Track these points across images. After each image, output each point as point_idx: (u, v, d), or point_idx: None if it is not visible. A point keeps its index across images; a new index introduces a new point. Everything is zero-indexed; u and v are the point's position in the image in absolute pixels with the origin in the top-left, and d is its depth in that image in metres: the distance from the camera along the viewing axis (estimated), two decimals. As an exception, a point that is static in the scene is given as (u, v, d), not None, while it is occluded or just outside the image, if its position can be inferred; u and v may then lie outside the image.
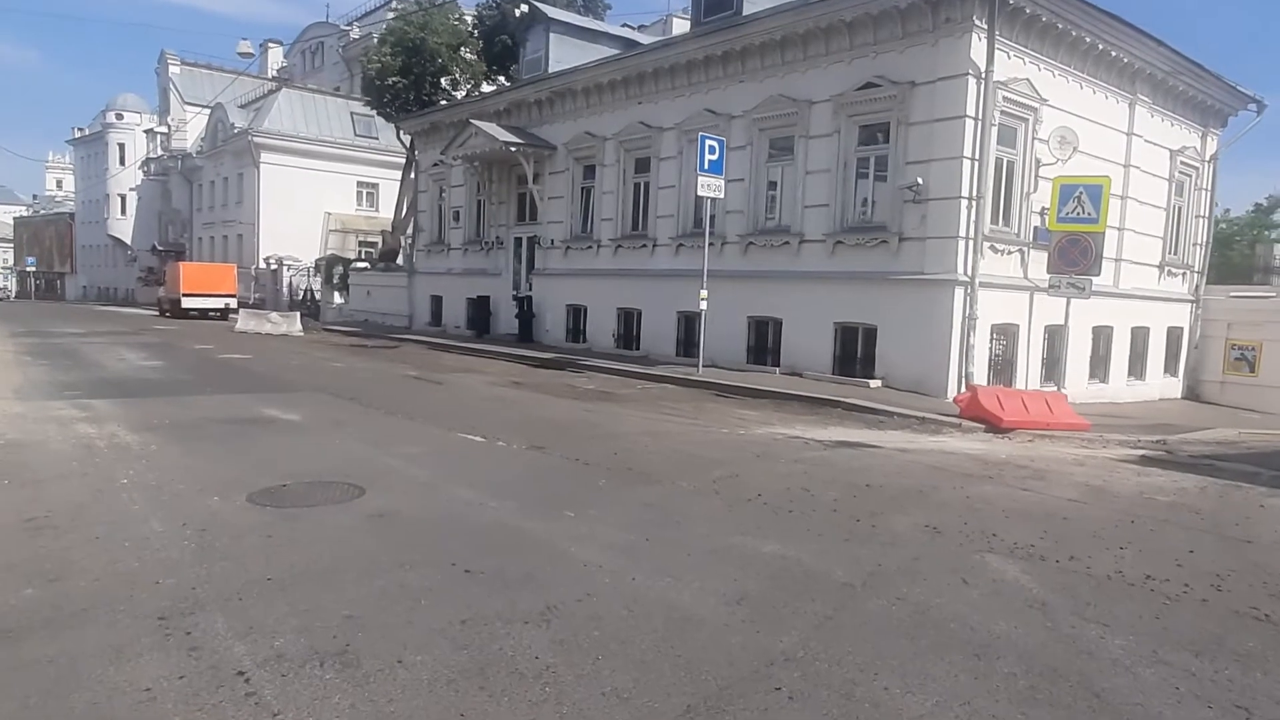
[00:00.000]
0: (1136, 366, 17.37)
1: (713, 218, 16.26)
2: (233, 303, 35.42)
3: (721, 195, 15.48)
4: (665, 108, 18.48)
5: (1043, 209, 14.73)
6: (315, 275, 36.55)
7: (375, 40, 41.81)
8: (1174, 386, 18.41)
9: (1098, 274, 13.46)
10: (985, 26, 13.01)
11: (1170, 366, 18.31)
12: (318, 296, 36.14)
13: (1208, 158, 18.59)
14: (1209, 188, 18.90)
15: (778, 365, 16.01)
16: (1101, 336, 16.31)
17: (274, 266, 39.70)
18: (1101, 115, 15.51)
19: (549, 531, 5.38)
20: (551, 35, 22.27)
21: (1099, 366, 16.38)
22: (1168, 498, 7.50)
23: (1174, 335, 18.28)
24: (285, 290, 38.97)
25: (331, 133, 41.83)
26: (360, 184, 43.04)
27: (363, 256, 39.59)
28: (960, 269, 13.42)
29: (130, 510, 5.52)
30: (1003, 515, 6.38)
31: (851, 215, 15.07)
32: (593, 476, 7.07)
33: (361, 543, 5.02)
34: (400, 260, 32.22)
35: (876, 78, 14.25)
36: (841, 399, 12.80)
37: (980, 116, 13.23)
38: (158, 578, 4.37)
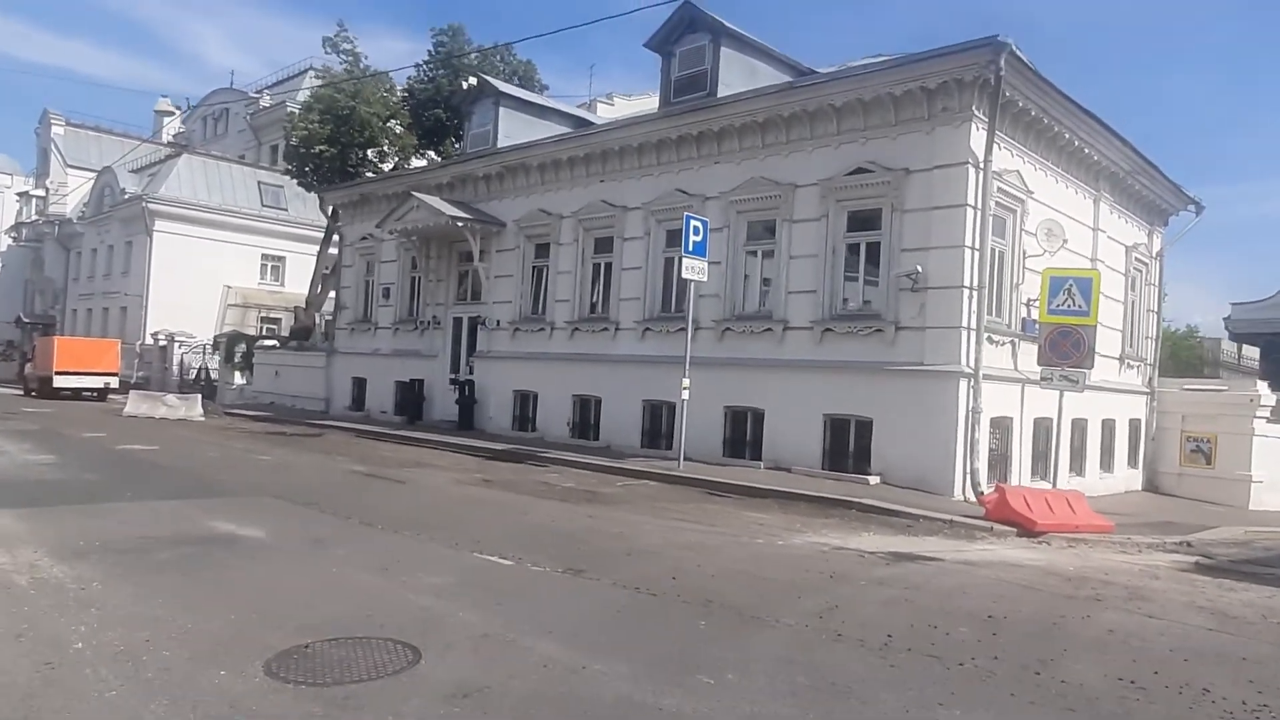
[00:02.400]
0: (1106, 459, 17.27)
1: (684, 303, 15.38)
2: (113, 382, 31.94)
3: (705, 278, 14.65)
4: (630, 187, 17.72)
5: (1029, 300, 14.57)
6: (213, 353, 33.57)
7: (295, 107, 40.28)
8: (1135, 479, 18.42)
9: (1091, 367, 13.20)
10: (985, 117, 12.86)
11: (1131, 459, 18.35)
12: (214, 376, 33.15)
13: (1154, 254, 19.21)
14: (1157, 283, 19.49)
15: (759, 459, 15.01)
16: (1078, 429, 16.13)
17: (163, 342, 36.34)
18: (1073, 210, 15.67)
19: (703, 713, 4.03)
20: (501, 109, 21.39)
21: (1077, 459, 16.15)
22: (1290, 621, 6.79)
23: (1134, 427, 18.38)
24: (175, 369, 35.64)
25: (236, 202, 39.29)
26: (266, 256, 40.41)
27: (265, 333, 36.85)
28: (964, 360, 12.90)
29: (107, 701, 3.84)
30: (1178, 659, 5.43)
31: (840, 302, 14.48)
32: (682, 616, 5.73)
33: (467, 747, 3.55)
34: (315, 339, 29.95)
35: (868, 163, 13.89)
36: (851, 499, 11.86)
37: (980, 206, 12.96)
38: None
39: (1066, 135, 14.61)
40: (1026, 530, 10.56)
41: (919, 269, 13.17)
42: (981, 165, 12.93)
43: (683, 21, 17.14)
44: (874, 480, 13.36)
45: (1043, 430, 14.83)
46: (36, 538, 7.09)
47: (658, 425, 17.08)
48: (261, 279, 40.56)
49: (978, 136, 12.92)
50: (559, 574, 6.81)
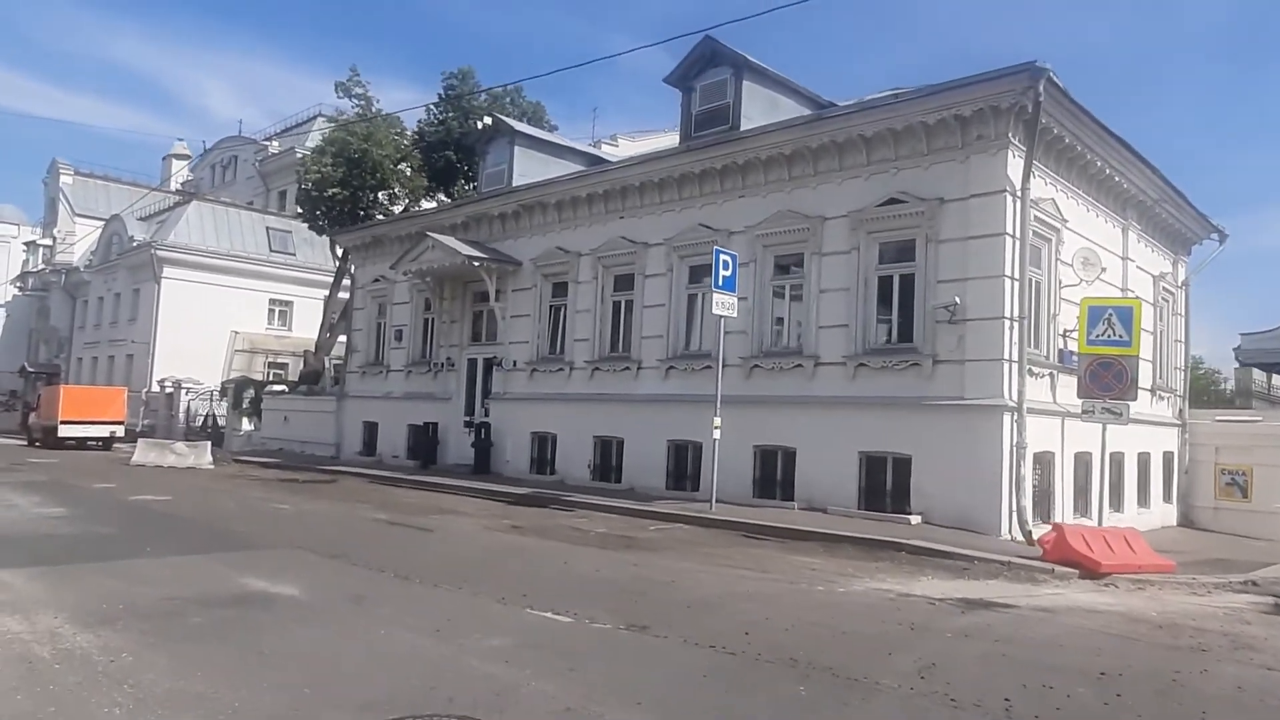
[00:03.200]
0: (1143, 494, 16.75)
1: (709, 340, 15.10)
2: (119, 430, 31.38)
3: (735, 314, 14.28)
4: (651, 223, 17.44)
5: (1065, 331, 14.21)
6: (220, 399, 33.13)
7: (305, 153, 40.42)
8: (1170, 514, 17.84)
9: (1134, 399, 12.84)
10: (1021, 145, 12.60)
11: (1166, 493, 17.80)
12: (220, 423, 32.66)
13: (1179, 283, 18.87)
14: (1183, 313, 19.12)
15: (791, 499, 14.51)
16: (1115, 463, 15.61)
17: (170, 390, 35.88)
18: (1104, 239, 15.34)
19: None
20: (516, 148, 21.21)
21: (1115, 495, 15.59)
22: None
23: (1167, 460, 17.88)
24: (182, 416, 35.13)
25: (245, 247, 39.13)
26: (273, 301, 40.16)
27: (271, 378, 36.44)
28: (1007, 393, 12.47)
29: (159, 802, 3.35)
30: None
31: (873, 336, 14.09)
32: (772, 678, 5.23)
33: None
34: (324, 383, 29.55)
35: (900, 194, 13.61)
36: (898, 540, 11.37)
37: (1019, 235, 12.64)
38: None
39: (1098, 163, 14.35)
40: (1090, 571, 10.03)
41: (957, 300, 12.81)
42: (1019, 194, 12.63)
43: (704, 56, 17.00)
44: (915, 520, 12.86)
45: (1082, 465, 14.39)
46: (56, 601, 6.59)
47: (683, 466, 16.58)
48: (269, 324, 40.27)
49: (1014, 164, 12.64)
50: (624, 632, 6.31)
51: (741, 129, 16.30)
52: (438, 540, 11.06)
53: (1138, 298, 14.42)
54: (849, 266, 14.25)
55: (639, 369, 17.40)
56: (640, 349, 17.44)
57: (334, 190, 25.86)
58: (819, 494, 14.14)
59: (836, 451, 14.06)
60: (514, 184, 20.97)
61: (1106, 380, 12.62)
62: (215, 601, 6.79)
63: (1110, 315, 12.59)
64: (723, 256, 14.00)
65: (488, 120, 21.83)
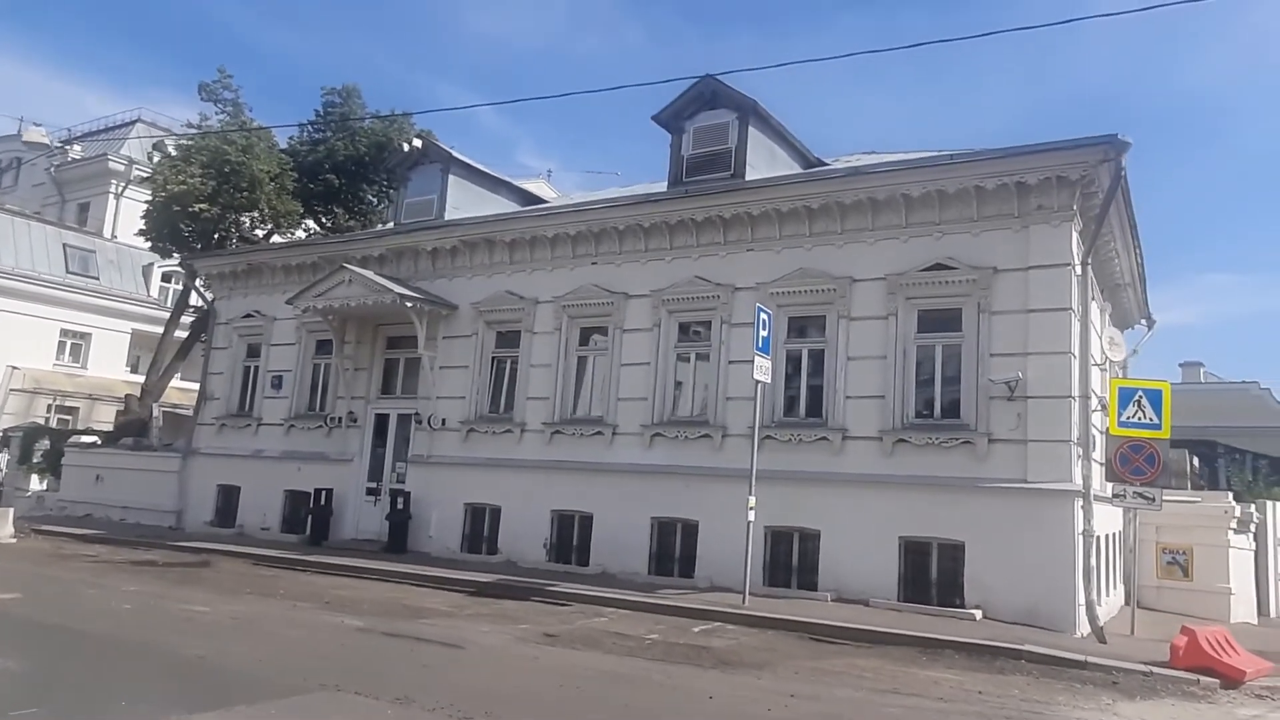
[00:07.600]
0: (1112, 575, 16.76)
1: (707, 405, 13.80)
2: None
3: (769, 379, 12.69)
4: (633, 271, 15.55)
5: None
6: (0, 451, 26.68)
7: (119, 163, 34.81)
8: (1120, 594, 18.08)
9: (1166, 484, 12.71)
10: (1084, 218, 12.17)
11: (1119, 574, 18.04)
12: (-2, 480, 26.24)
13: (1121, 366, 19.57)
14: (1123, 395, 19.79)
15: (812, 587, 13.00)
16: (1108, 546, 15.50)
17: (-80, 438, 28.55)
18: (1096, 320, 15.38)
19: None
20: (451, 177, 18.62)
21: (1111, 578, 15.45)
22: None
23: (1118, 541, 18.17)
24: (-64, 471, 27.93)
25: (34, 267, 32.39)
26: (66, 333, 33.46)
27: (57, 424, 30.08)
28: (1074, 477, 11.73)
29: None
30: None
31: (914, 410, 13.00)
32: None
33: None
34: (153, 435, 24.43)
35: (948, 259, 12.75)
36: (1009, 645, 10.03)
37: (1081, 311, 12.12)
38: None
39: (1112, 243, 14.34)
40: (1231, 681, 9.21)
41: (1019, 375, 12.00)
42: (1080, 269, 12.16)
43: (700, 97, 15.62)
44: (977, 615, 11.69)
45: (1103, 550, 14.06)
46: None
47: (669, 548, 14.56)
48: (58, 359, 33.55)
49: (1074, 237, 12.18)
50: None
51: (747, 177, 14.99)
52: (483, 663, 8.33)
53: (1166, 380, 14.37)
54: (884, 333, 13.16)
55: (614, 434, 15.26)
56: (616, 412, 15.34)
57: (201, 206, 21.56)
58: (852, 583, 12.65)
59: (871, 536, 12.69)
60: (446, 217, 18.36)
61: (1137, 464, 12.49)
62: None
63: (1140, 397, 12.50)
64: (762, 315, 12.44)
65: (416, 143, 19.06)
